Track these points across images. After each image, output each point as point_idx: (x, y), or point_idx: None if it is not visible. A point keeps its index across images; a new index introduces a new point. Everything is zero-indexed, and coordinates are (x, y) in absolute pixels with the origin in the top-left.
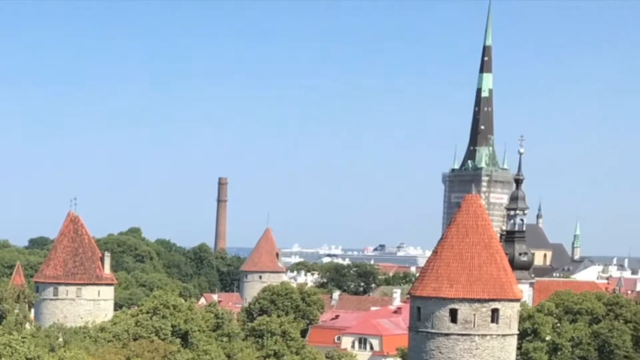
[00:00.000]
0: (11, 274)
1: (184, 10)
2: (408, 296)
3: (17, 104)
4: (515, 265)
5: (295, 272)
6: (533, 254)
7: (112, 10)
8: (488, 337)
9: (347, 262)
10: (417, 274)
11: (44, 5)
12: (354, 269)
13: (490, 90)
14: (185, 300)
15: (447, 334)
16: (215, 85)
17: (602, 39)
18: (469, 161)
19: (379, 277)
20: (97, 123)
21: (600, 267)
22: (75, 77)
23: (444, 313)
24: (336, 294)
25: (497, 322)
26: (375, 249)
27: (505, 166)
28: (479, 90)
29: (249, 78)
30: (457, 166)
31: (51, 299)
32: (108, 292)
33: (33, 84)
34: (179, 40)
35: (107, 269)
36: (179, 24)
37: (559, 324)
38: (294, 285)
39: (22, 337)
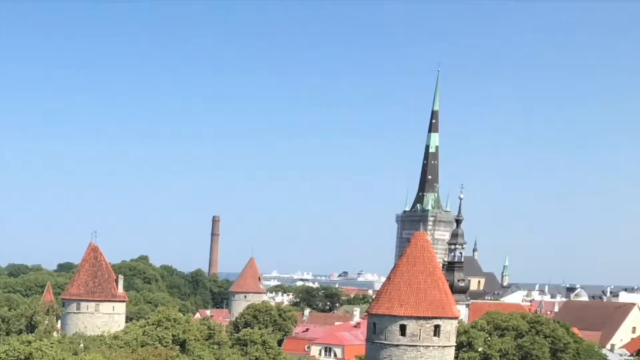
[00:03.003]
0: (42, 292)
1: (183, 60)
2: (366, 314)
3: (48, 158)
4: (454, 289)
5: (274, 293)
6: (469, 281)
7: (111, 68)
8: (431, 348)
9: (316, 285)
10: (374, 296)
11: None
12: (322, 291)
13: (437, 147)
14: (184, 315)
15: (397, 345)
16: (212, 144)
17: (526, 104)
18: (418, 204)
19: (342, 298)
20: (115, 172)
21: (525, 292)
22: (95, 133)
23: (395, 328)
24: (307, 311)
25: (438, 336)
26: (340, 275)
27: (448, 209)
28: (427, 147)
29: (236, 140)
30: (408, 208)
31: (74, 313)
32: (121, 308)
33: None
34: (180, 97)
35: (120, 289)
36: (181, 84)
37: (489, 338)
38: (273, 303)
39: (51, 343)
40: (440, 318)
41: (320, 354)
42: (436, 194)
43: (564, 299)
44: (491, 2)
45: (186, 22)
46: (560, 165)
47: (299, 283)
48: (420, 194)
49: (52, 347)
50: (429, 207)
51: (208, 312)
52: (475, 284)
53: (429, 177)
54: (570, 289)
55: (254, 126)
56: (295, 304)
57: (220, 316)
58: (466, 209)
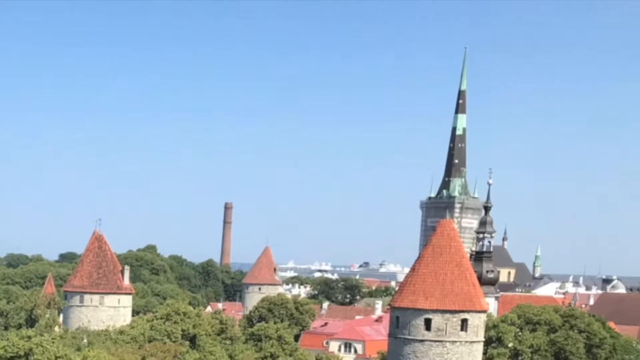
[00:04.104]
0: (43, 283)
1: (195, 47)
2: (388, 307)
3: (50, 141)
4: (482, 281)
5: (290, 285)
6: (499, 272)
7: (120, 50)
8: (458, 344)
9: (335, 276)
10: (397, 288)
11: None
12: (342, 283)
13: (464, 129)
14: (194, 308)
15: (421, 340)
16: (224, 125)
17: (558, 86)
18: (444, 190)
19: (363, 290)
20: (120, 156)
21: (558, 284)
22: (100, 115)
23: (420, 322)
24: (325, 304)
25: (466, 331)
26: (361, 266)
27: (476, 195)
28: (454, 129)
29: (251, 121)
30: (433, 194)
31: (77, 306)
32: (127, 300)
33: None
34: (191, 80)
35: (126, 280)
36: (194, 66)
37: (520, 333)
38: (289, 296)
39: (52, 338)
40: (468, 312)
41: (339, 350)
42: (463, 179)
43: (599, 291)
44: None
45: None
46: (596, 148)
47: (317, 274)
48: (447, 179)
49: (53, 342)
50: (456, 193)
51: (220, 305)
52: (505, 275)
53: (456, 161)
54: (607, 281)
55: (269, 107)
56: (313, 297)
57: (233, 309)
58: (495, 195)
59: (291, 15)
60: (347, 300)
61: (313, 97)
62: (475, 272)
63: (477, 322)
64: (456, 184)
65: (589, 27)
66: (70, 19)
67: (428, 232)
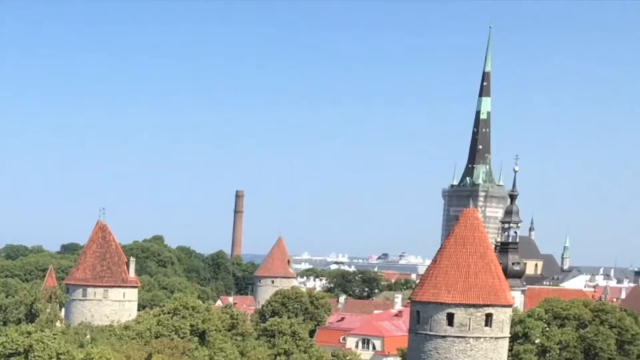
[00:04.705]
0: (44, 276)
1: (208, 36)
2: (409, 301)
3: (51, 124)
4: (508, 274)
5: (304, 278)
6: (525, 264)
7: (134, 37)
8: (482, 340)
9: (352, 269)
10: (417, 281)
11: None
12: (359, 276)
13: (489, 113)
14: (203, 302)
15: (444, 336)
16: (234, 109)
17: (589, 67)
18: (467, 178)
19: (382, 283)
20: (125, 141)
21: (588, 277)
22: (104, 97)
23: (442, 317)
24: (342, 298)
25: (490, 326)
26: (379, 258)
27: (501, 183)
28: (477, 113)
29: (263, 105)
30: (456, 182)
31: (80, 300)
32: (132, 294)
33: (67, 104)
34: (202, 65)
35: (131, 273)
36: (203, 49)
37: (548, 328)
38: (304, 289)
39: (54, 334)
40: (493, 306)
41: (357, 346)
42: (488, 166)
43: (631, 284)
44: None
45: None
46: (627, 133)
47: (333, 266)
48: (470, 166)
49: (54, 338)
50: (480, 181)
51: (231, 299)
52: (531, 267)
53: (480, 147)
54: (639, 273)
55: (282, 90)
56: (329, 290)
57: (245, 304)
58: (521, 183)
59: None
60: (365, 293)
61: (330, 81)
62: (500, 264)
63: (502, 317)
64: (480, 171)
65: (623, 5)
66: (75, 5)
67: (450, 222)
